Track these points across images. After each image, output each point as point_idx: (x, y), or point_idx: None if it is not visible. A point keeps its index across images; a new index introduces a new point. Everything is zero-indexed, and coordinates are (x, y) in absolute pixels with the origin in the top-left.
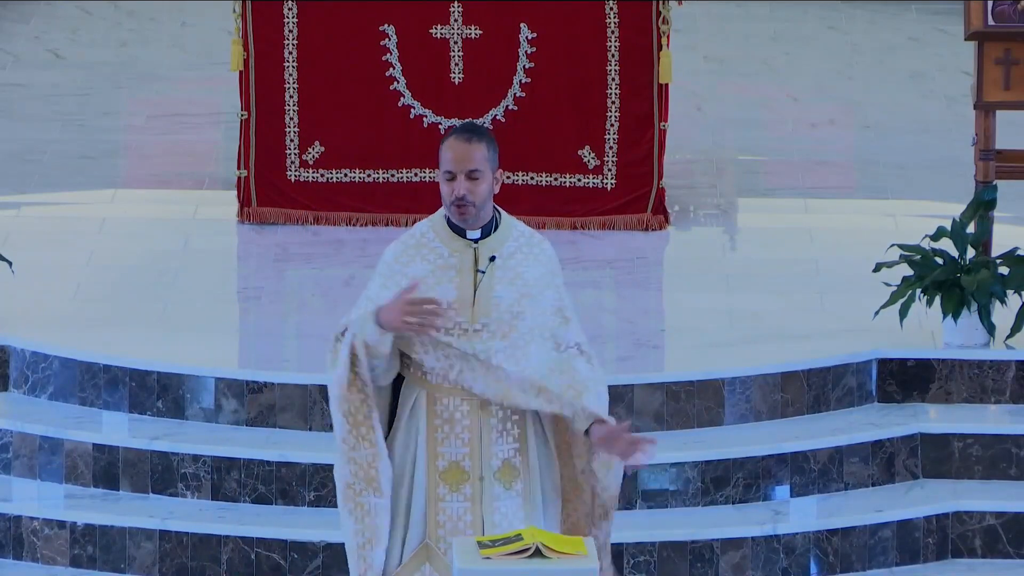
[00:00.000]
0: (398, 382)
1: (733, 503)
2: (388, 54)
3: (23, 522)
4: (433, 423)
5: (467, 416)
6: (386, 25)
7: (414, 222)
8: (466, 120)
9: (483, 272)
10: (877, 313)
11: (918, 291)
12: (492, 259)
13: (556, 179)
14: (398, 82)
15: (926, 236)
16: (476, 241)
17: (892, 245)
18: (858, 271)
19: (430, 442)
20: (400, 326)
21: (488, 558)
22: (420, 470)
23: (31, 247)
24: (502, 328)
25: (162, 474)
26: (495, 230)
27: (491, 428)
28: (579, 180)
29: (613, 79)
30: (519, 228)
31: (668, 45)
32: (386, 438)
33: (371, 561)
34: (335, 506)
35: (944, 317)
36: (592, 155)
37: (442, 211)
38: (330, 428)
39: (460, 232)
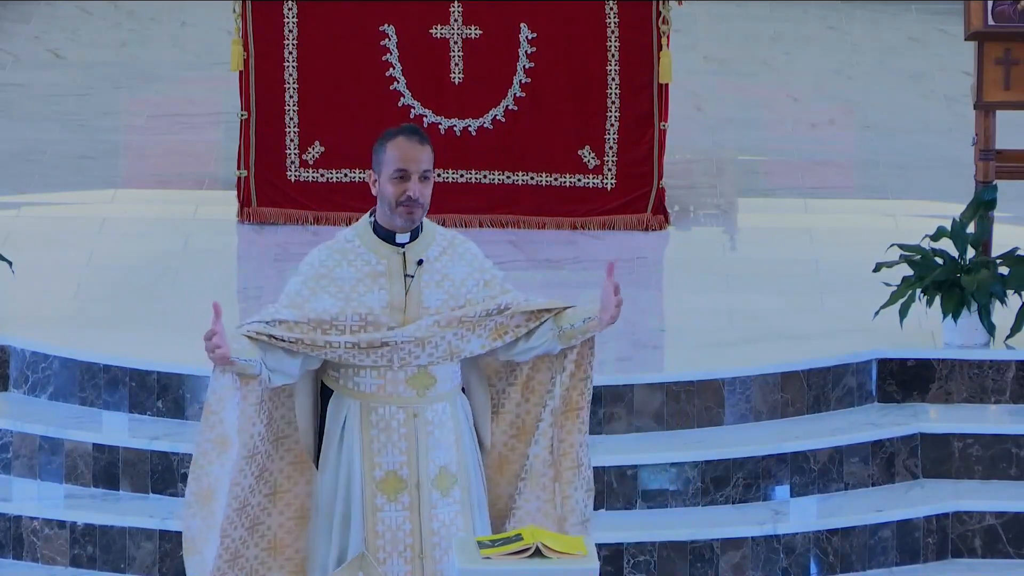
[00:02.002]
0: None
1: (733, 503)
2: (388, 54)
3: (23, 522)
4: (369, 433)
5: (403, 424)
6: (386, 25)
7: None
8: (407, 123)
9: (411, 277)
10: (877, 313)
11: (918, 291)
12: (420, 262)
13: (556, 179)
14: (398, 82)
15: (926, 236)
16: (403, 246)
17: (892, 245)
18: (858, 271)
19: (366, 452)
20: (216, 362)
21: (488, 558)
22: (356, 482)
23: (31, 247)
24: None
25: (162, 474)
26: (420, 234)
27: (427, 435)
28: (579, 180)
29: (613, 79)
30: (440, 231)
31: (668, 45)
32: (316, 456)
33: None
34: None
35: (944, 317)
36: (592, 155)
37: (366, 220)
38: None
39: (386, 238)
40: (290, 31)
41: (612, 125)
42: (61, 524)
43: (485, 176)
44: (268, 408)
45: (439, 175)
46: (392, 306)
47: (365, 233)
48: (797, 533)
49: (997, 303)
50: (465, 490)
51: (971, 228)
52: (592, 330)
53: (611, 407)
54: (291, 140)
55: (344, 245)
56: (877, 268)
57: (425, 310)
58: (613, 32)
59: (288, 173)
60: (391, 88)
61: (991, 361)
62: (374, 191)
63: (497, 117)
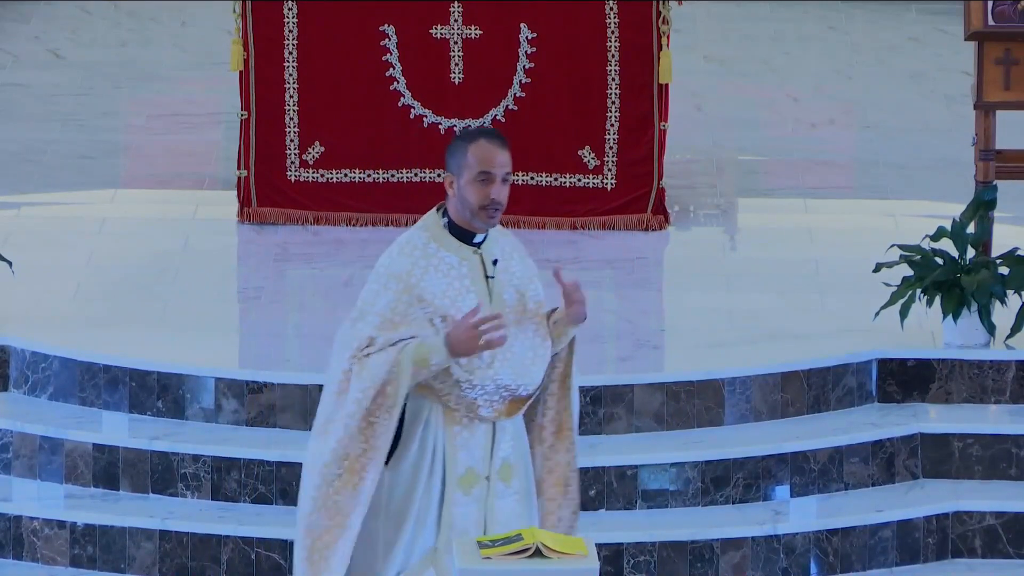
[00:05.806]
0: None
1: (733, 503)
2: (388, 54)
3: (23, 522)
4: (452, 430)
5: (484, 419)
6: (386, 25)
7: (414, 222)
8: (477, 123)
9: (493, 277)
10: (877, 313)
11: (918, 291)
12: (495, 262)
13: (556, 179)
14: (398, 82)
15: (926, 236)
16: (479, 246)
17: (892, 245)
18: (858, 271)
19: (450, 449)
20: (475, 350)
21: (488, 558)
22: (436, 478)
23: (31, 247)
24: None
25: (162, 474)
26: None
27: (500, 429)
28: (579, 180)
29: (613, 79)
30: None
31: (668, 45)
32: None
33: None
34: None
35: (944, 317)
36: (592, 155)
37: (435, 219)
38: None
39: (462, 238)
40: (290, 31)
41: (612, 125)
42: (61, 524)
43: None
44: None
45: (439, 174)
46: (484, 309)
47: (440, 235)
48: (797, 533)
49: (997, 303)
50: (522, 478)
51: (971, 228)
52: (563, 332)
53: (611, 407)
54: (291, 140)
55: (423, 250)
56: (877, 268)
57: (506, 310)
58: (613, 32)
59: (288, 173)
60: (391, 88)
61: (991, 361)
62: (451, 192)
63: (497, 117)
